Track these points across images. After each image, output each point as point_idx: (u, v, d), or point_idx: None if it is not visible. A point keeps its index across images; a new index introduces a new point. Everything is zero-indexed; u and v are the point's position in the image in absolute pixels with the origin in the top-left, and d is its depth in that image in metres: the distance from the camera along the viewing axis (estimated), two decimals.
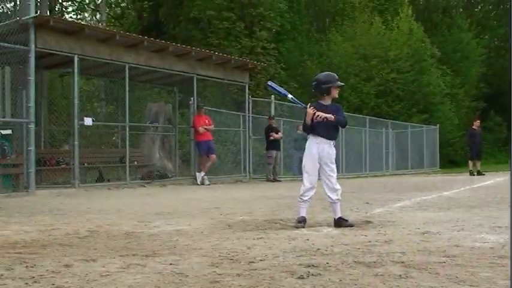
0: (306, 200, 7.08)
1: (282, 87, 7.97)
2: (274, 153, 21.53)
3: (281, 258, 4.88)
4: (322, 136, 7.05)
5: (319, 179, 7.10)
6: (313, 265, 4.55)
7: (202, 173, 19.04)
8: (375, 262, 4.67)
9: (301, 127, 11.18)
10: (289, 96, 7.33)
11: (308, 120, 7.00)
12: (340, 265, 4.56)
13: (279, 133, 21.72)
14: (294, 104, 7.49)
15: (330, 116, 6.96)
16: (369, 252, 5.15)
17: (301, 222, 7.01)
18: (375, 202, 10.77)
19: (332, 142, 7.10)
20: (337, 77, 7.24)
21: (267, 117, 22.26)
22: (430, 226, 6.97)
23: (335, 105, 7.21)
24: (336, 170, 7.08)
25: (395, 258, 4.85)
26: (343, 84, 7.47)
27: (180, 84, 21.89)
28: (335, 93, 7.12)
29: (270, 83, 7.68)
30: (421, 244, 5.60)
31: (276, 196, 12.69)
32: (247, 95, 22.42)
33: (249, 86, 22.51)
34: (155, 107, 21.63)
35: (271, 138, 21.32)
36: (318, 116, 6.95)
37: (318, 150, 7.01)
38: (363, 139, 28.94)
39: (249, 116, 22.51)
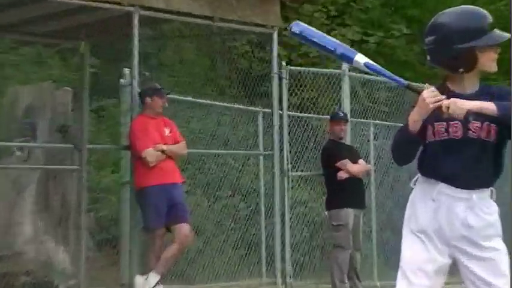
0: None
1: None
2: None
3: None
4: (453, 179, 2.19)
5: None
6: None
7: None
8: None
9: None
10: (358, 57, 2.21)
11: (418, 116, 2.14)
12: None
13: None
14: (381, 77, 2.36)
15: (484, 107, 2.11)
16: None
17: None
18: None
19: (487, 193, 2.22)
20: (490, 18, 2.22)
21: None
22: None
23: (493, 88, 2.34)
24: (504, 250, 2.22)
25: None
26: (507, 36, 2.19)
27: (92, 34, 6.11)
28: (489, 61, 2.23)
29: (295, 25, 2.31)
30: None
31: None
32: (275, 64, 6.45)
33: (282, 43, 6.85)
34: (27, 94, 6.13)
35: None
36: (448, 108, 2.09)
37: (442, 219, 2.21)
38: None
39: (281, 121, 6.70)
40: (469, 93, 2.21)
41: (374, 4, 10.95)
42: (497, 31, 2.22)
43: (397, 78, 2.21)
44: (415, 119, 2.13)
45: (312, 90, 7.86)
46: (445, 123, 2.18)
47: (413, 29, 10.41)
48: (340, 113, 6.51)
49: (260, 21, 6.47)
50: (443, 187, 2.21)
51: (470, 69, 2.20)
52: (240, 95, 7.96)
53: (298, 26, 2.29)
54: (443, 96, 2.09)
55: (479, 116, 2.12)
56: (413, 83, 2.23)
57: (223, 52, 8.11)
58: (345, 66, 6.67)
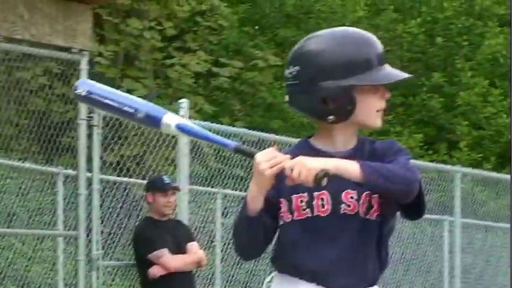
0: None
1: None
2: None
3: None
4: (321, 277, 1.70)
5: None
6: None
7: None
8: None
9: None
10: (168, 118, 1.71)
11: (256, 190, 1.67)
12: None
13: None
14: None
15: (342, 166, 1.58)
16: None
17: None
18: None
19: None
20: (379, 47, 1.71)
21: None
22: None
23: (379, 143, 1.80)
24: None
25: None
26: (405, 77, 1.74)
27: None
28: (371, 111, 1.75)
29: (82, 84, 1.82)
30: None
31: None
32: (84, 106, 5.26)
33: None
34: None
35: None
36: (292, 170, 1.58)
37: None
38: None
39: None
40: (340, 152, 1.69)
41: (230, 20, 8.97)
42: (388, 67, 1.69)
43: (222, 140, 1.74)
44: (252, 194, 1.62)
45: (136, 145, 6.16)
46: (306, 194, 1.66)
47: (286, 58, 8.67)
48: (165, 179, 5.33)
49: (62, 43, 5.06)
50: (304, 284, 1.72)
51: (343, 118, 1.67)
52: (31, 149, 6.32)
53: (86, 85, 1.78)
54: (285, 156, 1.57)
55: (345, 181, 1.56)
56: (244, 146, 1.67)
57: (8, 87, 6.10)
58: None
